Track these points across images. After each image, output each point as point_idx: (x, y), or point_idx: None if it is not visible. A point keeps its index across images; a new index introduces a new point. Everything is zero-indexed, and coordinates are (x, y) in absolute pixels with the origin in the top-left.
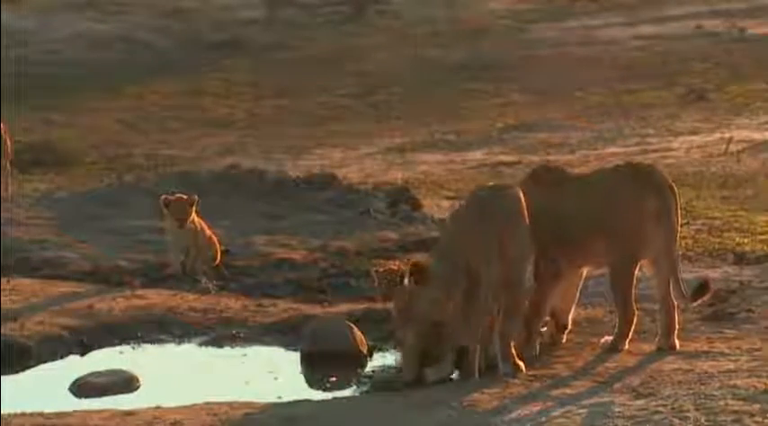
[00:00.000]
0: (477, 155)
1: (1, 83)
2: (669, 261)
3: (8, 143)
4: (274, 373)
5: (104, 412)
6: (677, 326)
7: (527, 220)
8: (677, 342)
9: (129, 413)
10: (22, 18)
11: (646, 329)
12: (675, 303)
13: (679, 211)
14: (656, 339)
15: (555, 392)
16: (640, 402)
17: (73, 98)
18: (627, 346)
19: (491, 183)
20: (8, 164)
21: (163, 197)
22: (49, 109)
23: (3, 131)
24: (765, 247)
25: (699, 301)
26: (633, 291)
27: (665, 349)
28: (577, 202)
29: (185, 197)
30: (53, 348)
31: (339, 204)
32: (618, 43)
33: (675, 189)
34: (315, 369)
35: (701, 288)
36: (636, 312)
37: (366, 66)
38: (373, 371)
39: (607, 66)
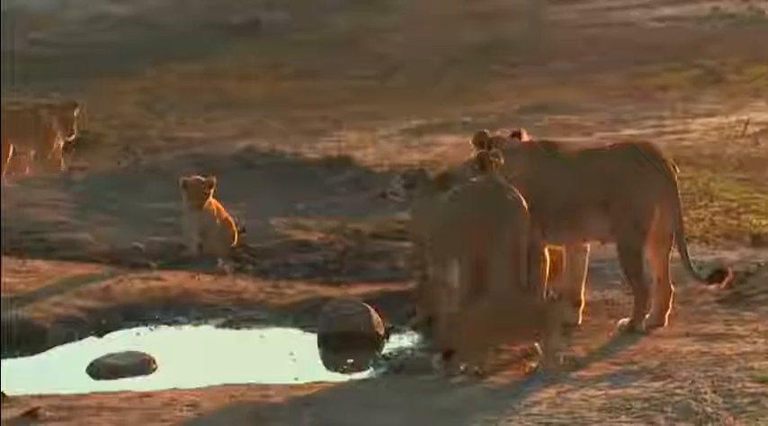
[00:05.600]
0: None
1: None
2: (672, 240)
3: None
4: (291, 355)
5: (121, 393)
6: (670, 306)
7: None
8: (666, 321)
9: (146, 395)
10: (38, 0)
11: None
12: (672, 287)
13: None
14: (647, 317)
15: (572, 374)
16: (657, 384)
17: (90, 80)
18: (644, 327)
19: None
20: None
21: (181, 179)
22: (65, 91)
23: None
24: None
25: (713, 285)
26: (644, 271)
27: (655, 326)
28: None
29: (203, 179)
30: (70, 330)
31: (356, 186)
32: (635, 25)
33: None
34: (332, 351)
35: (718, 274)
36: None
37: (383, 47)
38: (390, 353)
39: (624, 48)
